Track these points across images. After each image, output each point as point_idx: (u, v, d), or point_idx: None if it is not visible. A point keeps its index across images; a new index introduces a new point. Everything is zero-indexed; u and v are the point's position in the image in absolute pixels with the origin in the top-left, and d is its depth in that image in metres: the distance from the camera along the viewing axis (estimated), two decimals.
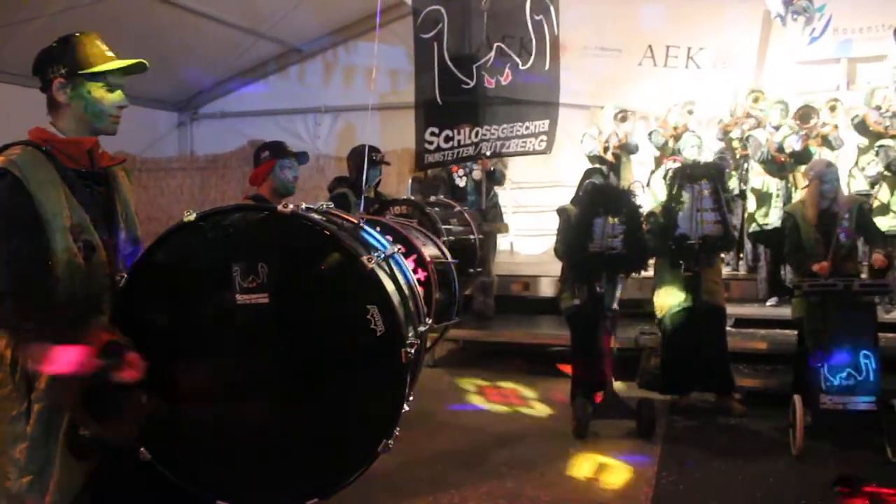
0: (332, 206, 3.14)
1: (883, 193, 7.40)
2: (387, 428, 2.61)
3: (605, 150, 8.61)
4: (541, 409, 6.40)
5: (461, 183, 8.49)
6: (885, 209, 7.23)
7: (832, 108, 7.97)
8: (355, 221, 3.04)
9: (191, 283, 2.58)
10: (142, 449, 2.56)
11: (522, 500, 4.42)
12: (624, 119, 8.76)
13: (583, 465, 5.03)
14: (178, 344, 2.57)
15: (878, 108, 7.81)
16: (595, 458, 5.16)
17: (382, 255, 2.69)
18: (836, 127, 7.74)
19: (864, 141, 7.70)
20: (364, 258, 2.53)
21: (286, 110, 11.70)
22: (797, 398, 5.15)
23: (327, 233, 2.58)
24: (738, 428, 5.84)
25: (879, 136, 7.59)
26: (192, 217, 2.55)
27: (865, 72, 9.35)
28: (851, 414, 5.04)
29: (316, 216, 2.70)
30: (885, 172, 7.37)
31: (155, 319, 2.58)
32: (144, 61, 2.63)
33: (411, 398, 2.87)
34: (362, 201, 6.06)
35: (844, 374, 5.09)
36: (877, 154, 7.45)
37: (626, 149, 8.77)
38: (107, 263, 2.58)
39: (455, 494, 4.48)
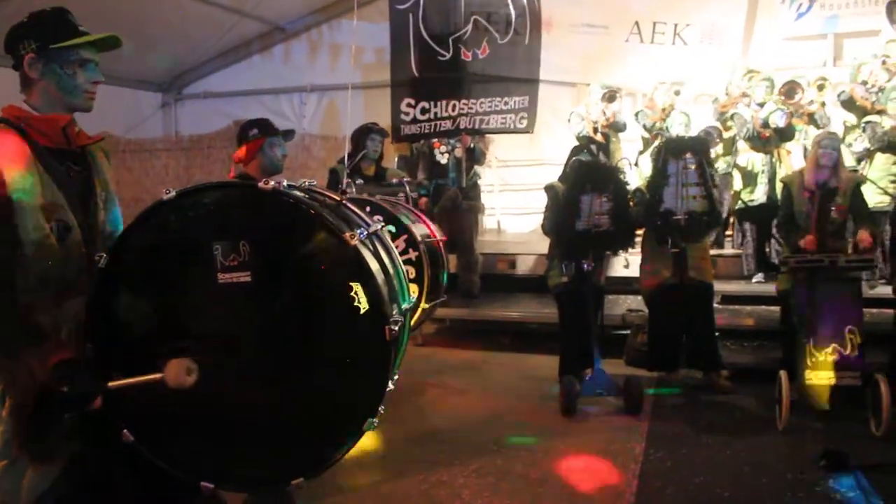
0: (315, 183, 3.11)
1: (869, 169, 7.41)
2: (372, 406, 2.59)
3: (595, 130, 8.57)
4: (528, 387, 6.40)
5: (443, 160, 8.44)
6: (871, 184, 7.24)
7: (820, 87, 7.95)
8: (338, 199, 3.01)
9: (171, 263, 2.55)
10: (125, 430, 2.54)
11: (511, 478, 4.42)
12: (612, 99, 8.72)
13: (571, 443, 5.03)
14: (159, 324, 2.55)
15: (865, 83, 7.82)
16: (583, 436, 5.17)
17: (365, 233, 2.67)
18: (822, 104, 7.73)
19: (852, 118, 7.70)
20: (347, 235, 2.51)
21: (271, 90, 11.61)
22: (783, 374, 5.16)
23: (310, 210, 2.56)
24: (724, 404, 5.86)
25: (866, 111, 7.60)
26: (172, 195, 2.52)
27: (852, 47, 9.34)
28: (837, 389, 5.06)
29: (298, 193, 2.67)
30: (871, 148, 7.38)
31: (135, 299, 2.55)
32: (118, 35, 2.57)
33: (396, 377, 2.86)
34: (349, 175, 6.05)
35: (830, 350, 5.11)
36: (863, 130, 7.46)
37: (615, 127, 8.75)
38: (83, 244, 2.54)
39: (444, 472, 4.48)
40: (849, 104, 7.72)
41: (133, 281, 2.55)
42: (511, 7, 8.16)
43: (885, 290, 6.43)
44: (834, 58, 9.47)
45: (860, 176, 6.51)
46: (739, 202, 7.91)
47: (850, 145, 7.70)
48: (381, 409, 2.60)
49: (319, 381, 2.56)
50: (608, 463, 4.66)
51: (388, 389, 2.64)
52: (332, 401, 2.56)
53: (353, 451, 2.67)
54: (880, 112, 7.42)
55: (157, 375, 2.38)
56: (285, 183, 2.64)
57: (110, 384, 2.39)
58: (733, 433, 5.14)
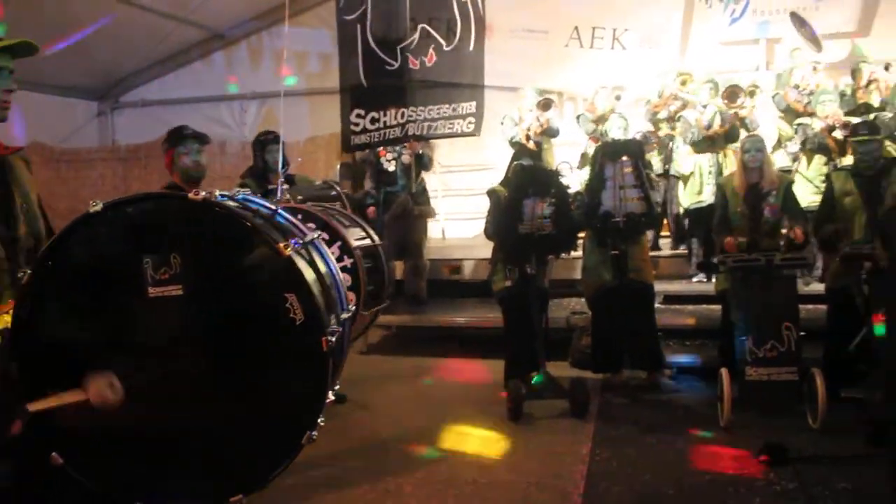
0: (250, 192, 3.06)
1: (803, 168, 7.62)
2: (310, 419, 2.56)
3: (528, 138, 8.62)
4: (474, 392, 6.39)
5: (390, 167, 8.41)
6: (805, 183, 7.44)
7: (751, 94, 8.14)
8: (273, 208, 2.97)
9: (100, 277, 2.48)
10: (53, 454, 2.45)
11: (459, 484, 4.40)
12: (546, 107, 8.76)
13: (518, 446, 5.04)
14: (88, 341, 2.47)
15: (797, 86, 8.06)
16: (530, 439, 5.18)
17: (301, 242, 2.63)
18: (753, 108, 7.91)
19: (786, 127, 7.91)
20: (281, 245, 2.47)
21: (211, 97, 11.44)
22: (724, 371, 5.25)
23: (243, 221, 2.51)
24: (668, 403, 5.95)
25: (798, 114, 7.83)
26: (99, 207, 2.45)
27: (783, 52, 9.58)
28: (776, 384, 5.16)
29: (231, 203, 2.62)
30: (804, 149, 7.58)
31: (62, 316, 2.47)
32: (31, 41, 2.48)
33: (337, 387, 2.82)
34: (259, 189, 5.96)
35: (768, 346, 5.21)
36: (796, 131, 7.67)
37: (548, 133, 8.80)
38: (5, 259, 2.45)
39: (391, 481, 4.44)
40: (783, 106, 7.96)
41: (60, 297, 2.47)
42: (456, 13, 8.18)
43: (818, 287, 6.59)
44: (766, 62, 9.69)
45: (788, 177, 6.68)
46: (687, 202, 8.02)
47: (784, 146, 7.91)
48: (320, 421, 2.57)
49: (256, 395, 2.51)
50: (556, 464, 4.68)
51: (327, 401, 2.60)
52: (270, 415, 2.52)
53: (297, 464, 2.63)
54: (811, 115, 7.63)
55: (78, 392, 2.31)
56: (217, 193, 2.60)
57: (30, 407, 2.30)
58: (677, 431, 5.20)
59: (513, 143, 8.57)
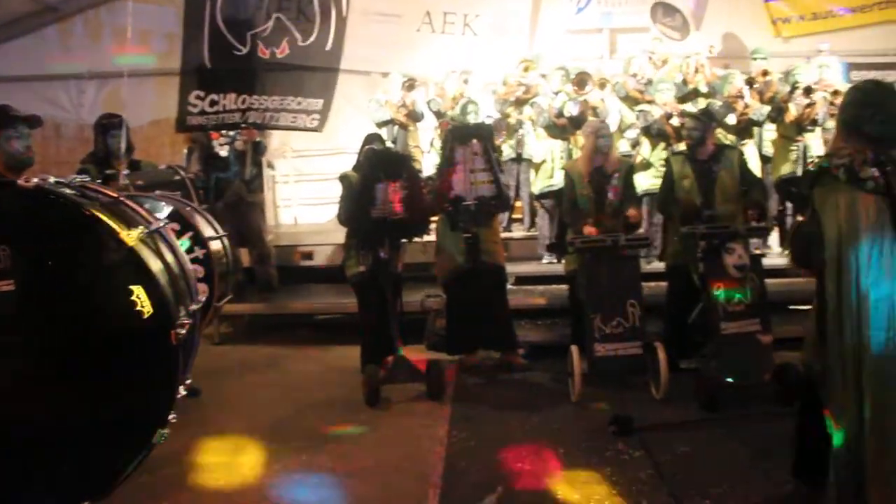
0: (88, 178, 2.86)
1: (645, 151, 7.99)
2: (160, 416, 2.43)
3: (406, 115, 8.64)
4: (331, 379, 6.32)
5: (222, 152, 8.09)
6: (647, 166, 7.82)
7: (602, 85, 8.44)
8: (114, 196, 2.78)
9: None
10: None
11: (318, 473, 4.34)
12: (411, 87, 8.79)
13: (376, 432, 5.02)
14: None
15: (635, 75, 8.45)
16: (388, 423, 5.18)
17: (146, 231, 2.48)
18: (602, 101, 8.20)
19: (629, 114, 8.26)
20: (124, 234, 2.32)
21: (43, 76, 10.54)
22: (574, 348, 5.45)
23: (81, 209, 2.34)
24: (522, 381, 6.10)
25: (637, 101, 8.20)
26: None
27: (625, 42, 10.03)
28: (622, 359, 5.41)
29: (67, 191, 2.43)
30: (645, 133, 7.96)
31: None
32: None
33: (188, 381, 2.69)
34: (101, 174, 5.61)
35: (615, 323, 5.44)
36: (637, 118, 8.03)
37: (413, 117, 8.82)
38: None
39: (249, 474, 4.32)
40: (623, 94, 8.32)
41: None
42: (317, 5, 7.98)
43: (659, 265, 6.95)
44: (610, 51, 10.11)
45: (628, 160, 7.00)
46: (539, 186, 8.22)
47: (624, 132, 8.27)
48: (172, 417, 2.44)
49: (102, 393, 2.36)
50: (414, 448, 4.70)
51: (178, 396, 2.47)
52: (118, 413, 2.37)
53: (149, 461, 2.48)
54: (650, 102, 8.01)
55: None
56: (52, 179, 2.40)
57: None
58: (531, 408, 5.35)
59: (380, 124, 8.52)
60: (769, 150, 8.23)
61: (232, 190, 7.98)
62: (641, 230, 6.24)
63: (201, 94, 7.67)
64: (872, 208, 2.98)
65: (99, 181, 5.23)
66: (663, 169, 7.56)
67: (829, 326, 3.10)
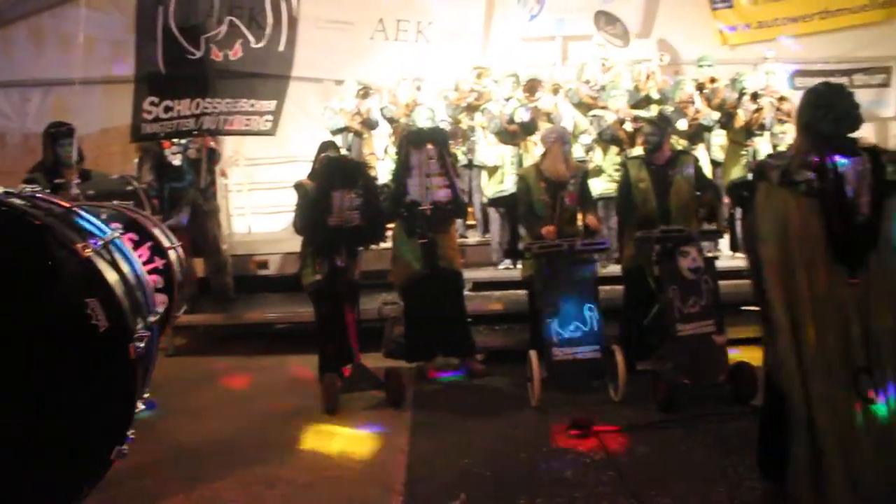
0: (39, 189, 2.78)
1: (597, 157, 8.07)
2: (119, 432, 2.36)
3: (361, 123, 8.61)
4: (290, 389, 6.25)
5: (175, 161, 7.95)
6: (599, 172, 7.89)
7: (555, 91, 8.52)
8: (66, 206, 2.70)
9: None
10: None
11: (279, 484, 4.28)
12: (366, 95, 8.78)
13: (336, 441, 4.97)
14: None
15: (588, 81, 8.54)
16: (348, 432, 5.13)
17: (101, 242, 2.41)
18: (556, 106, 8.27)
19: (582, 119, 8.34)
20: (79, 246, 2.25)
21: None
22: (533, 353, 5.47)
23: (32, 220, 2.26)
24: (481, 387, 6.10)
25: (591, 107, 8.29)
26: None
27: (576, 50, 10.13)
28: (580, 362, 5.44)
29: (17, 201, 2.36)
30: (598, 139, 8.04)
31: None
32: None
33: (146, 395, 2.62)
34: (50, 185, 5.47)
35: (572, 327, 5.48)
36: (591, 123, 8.11)
37: (367, 124, 8.80)
38: None
39: (207, 488, 4.23)
40: (576, 100, 8.41)
41: None
42: (269, 8, 7.92)
43: (615, 269, 7.01)
44: (563, 58, 10.20)
45: (586, 166, 7.07)
46: (490, 191, 8.24)
47: (577, 137, 8.34)
48: (130, 433, 2.37)
49: (58, 410, 2.27)
50: (375, 456, 4.67)
51: (137, 411, 2.41)
52: (74, 430, 2.29)
53: (106, 479, 2.41)
54: (603, 108, 8.10)
55: None
56: (1, 190, 2.32)
57: None
58: (491, 414, 5.35)
59: (335, 132, 8.47)
60: (718, 155, 8.42)
61: (187, 199, 7.85)
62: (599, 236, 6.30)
63: (155, 100, 7.56)
64: (805, 210, 3.10)
65: (47, 191, 5.10)
66: (616, 174, 7.71)
67: (774, 324, 3.19)
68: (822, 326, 3.10)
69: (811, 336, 3.11)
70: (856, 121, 3.24)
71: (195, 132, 7.81)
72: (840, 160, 3.13)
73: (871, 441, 3.08)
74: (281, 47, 8.04)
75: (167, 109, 7.61)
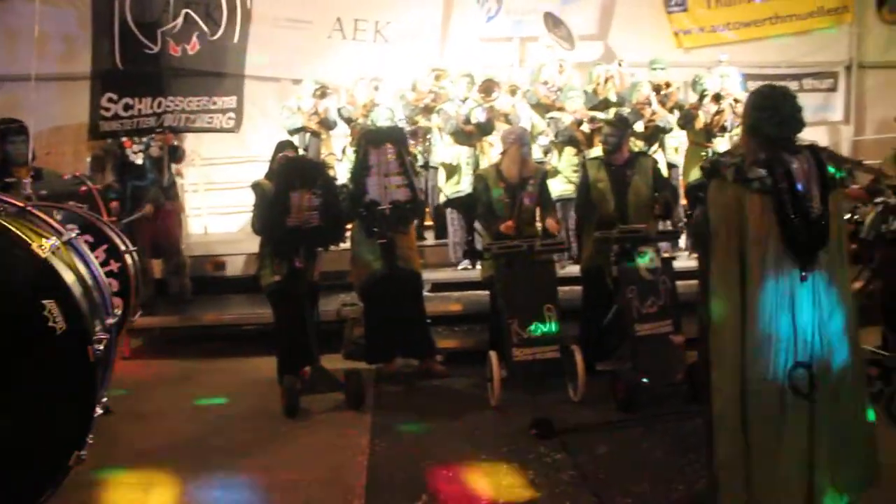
0: None
1: (554, 160, 8.13)
2: (77, 437, 2.30)
3: (319, 123, 8.58)
4: (249, 391, 6.17)
5: (137, 160, 7.81)
6: (556, 173, 7.95)
7: (512, 92, 8.55)
8: (20, 205, 2.64)
9: None
10: None
11: (239, 489, 4.24)
12: (323, 95, 8.72)
13: (296, 443, 4.93)
14: None
15: (546, 83, 8.60)
16: (308, 435, 5.09)
17: (57, 243, 2.36)
18: (514, 107, 8.30)
19: (540, 120, 8.38)
20: (35, 246, 2.20)
21: None
22: (493, 354, 5.49)
23: None
24: (441, 388, 6.10)
25: (549, 108, 8.35)
26: None
27: (534, 51, 10.18)
28: (540, 362, 5.47)
29: None
30: (555, 140, 8.10)
31: None
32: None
33: (105, 399, 2.57)
34: None
35: (532, 327, 5.51)
36: (548, 124, 8.17)
37: (325, 124, 8.74)
38: None
39: (166, 493, 4.17)
40: (534, 101, 8.46)
41: None
42: (223, 3, 7.83)
43: (573, 269, 7.07)
44: (520, 60, 10.25)
45: (545, 167, 7.11)
46: (446, 191, 8.24)
47: (535, 139, 8.39)
48: (89, 439, 2.31)
49: (13, 416, 2.21)
50: (336, 458, 4.64)
51: (96, 416, 2.35)
52: (30, 438, 2.23)
53: (68, 485, 2.35)
54: (561, 109, 8.17)
55: None
56: None
57: None
58: (452, 415, 5.35)
59: (292, 132, 8.40)
60: (673, 157, 8.55)
61: (150, 198, 7.72)
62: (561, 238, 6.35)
63: (114, 96, 7.42)
64: (758, 207, 3.15)
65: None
66: (573, 175, 7.78)
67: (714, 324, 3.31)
68: (769, 321, 3.15)
69: (756, 330, 3.16)
70: (800, 123, 3.30)
71: (157, 129, 7.69)
72: (788, 158, 3.19)
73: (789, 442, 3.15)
74: (236, 38, 7.97)
75: (127, 107, 7.48)
